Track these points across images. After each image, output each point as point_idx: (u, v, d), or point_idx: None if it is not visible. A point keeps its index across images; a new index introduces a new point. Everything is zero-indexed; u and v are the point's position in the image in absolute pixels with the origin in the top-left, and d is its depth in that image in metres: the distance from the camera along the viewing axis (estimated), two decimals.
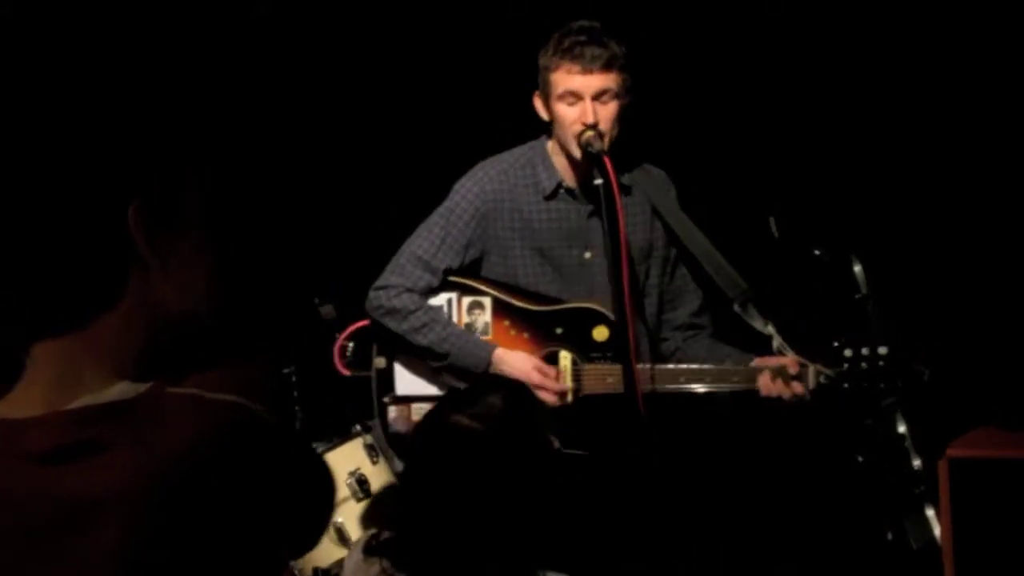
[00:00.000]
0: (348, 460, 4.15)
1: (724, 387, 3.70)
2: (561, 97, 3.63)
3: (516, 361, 3.71)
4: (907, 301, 4.04)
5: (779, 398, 3.63)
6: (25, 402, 1.48)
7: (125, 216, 1.49)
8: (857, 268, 3.61)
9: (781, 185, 4.62)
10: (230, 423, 1.43)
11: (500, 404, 2.66)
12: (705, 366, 3.72)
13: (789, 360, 3.64)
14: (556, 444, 3.44)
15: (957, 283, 4.62)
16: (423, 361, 3.80)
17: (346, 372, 4.08)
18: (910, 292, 4.32)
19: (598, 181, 3.49)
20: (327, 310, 4.27)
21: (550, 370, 3.72)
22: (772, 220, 3.80)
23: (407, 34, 5.03)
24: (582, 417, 3.73)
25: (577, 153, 3.61)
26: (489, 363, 3.69)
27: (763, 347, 3.71)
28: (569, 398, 3.73)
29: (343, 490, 4.11)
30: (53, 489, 1.39)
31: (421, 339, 3.73)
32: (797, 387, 3.62)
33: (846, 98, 4.75)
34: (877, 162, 4.74)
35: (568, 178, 3.75)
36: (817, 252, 3.79)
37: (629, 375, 3.42)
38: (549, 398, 3.68)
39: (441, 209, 3.80)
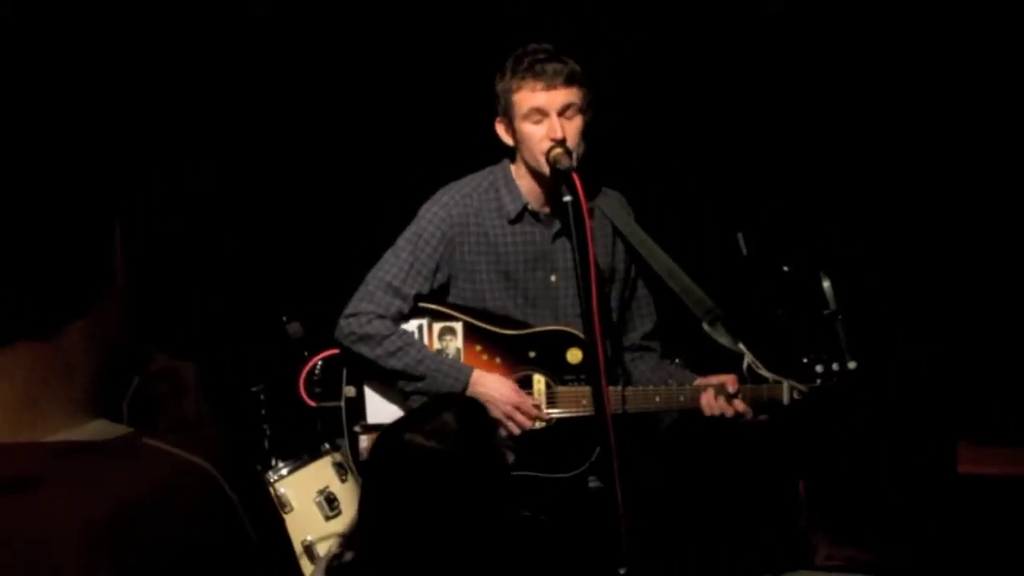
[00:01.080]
0: (317, 478, 4.14)
1: (674, 406, 3.70)
2: (526, 116, 3.61)
3: (493, 383, 3.69)
4: (877, 317, 4.05)
5: (721, 416, 3.63)
6: None
7: (101, 227, 1.49)
8: (826, 284, 3.62)
9: (749, 202, 4.64)
10: (197, 487, 1.43)
11: (453, 421, 2.66)
12: (653, 387, 3.71)
13: (728, 378, 3.64)
14: (511, 459, 3.44)
15: (928, 298, 4.64)
16: (394, 388, 3.77)
17: (312, 403, 4.05)
18: (880, 308, 4.33)
19: (567, 198, 3.48)
20: (295, 328, 4.25)
21: (525, 398, 3.71)
22: (740, 236, 3.80)
23: (367, 63, 5.03)
24: (557, 440, 3.72)
25: (546, 170, 3.60)
26: (466, 385, 3.68)
27: (736, 364, 3.70)
28: (541, 424, 3.72)
29: (312, 508, 4.10)
30: (16, 520, 1.38)
31: (396, 363, 3.70)
32: (738, 405, 3.61)
33: (815, 114, 4.77)
34: (846, 178, 4.76)
35: (533, 201, 3.74)
36: (785, 268, 3.79)
37: (598, 396, 3.41)
38: (525, 422, 3.67)
39: (408, 234, 3.78)
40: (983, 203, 4.65)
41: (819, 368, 3.62)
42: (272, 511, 1.56)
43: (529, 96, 3.60)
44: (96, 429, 1.48)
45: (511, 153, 3.78)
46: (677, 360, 3.92)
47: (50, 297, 1.45)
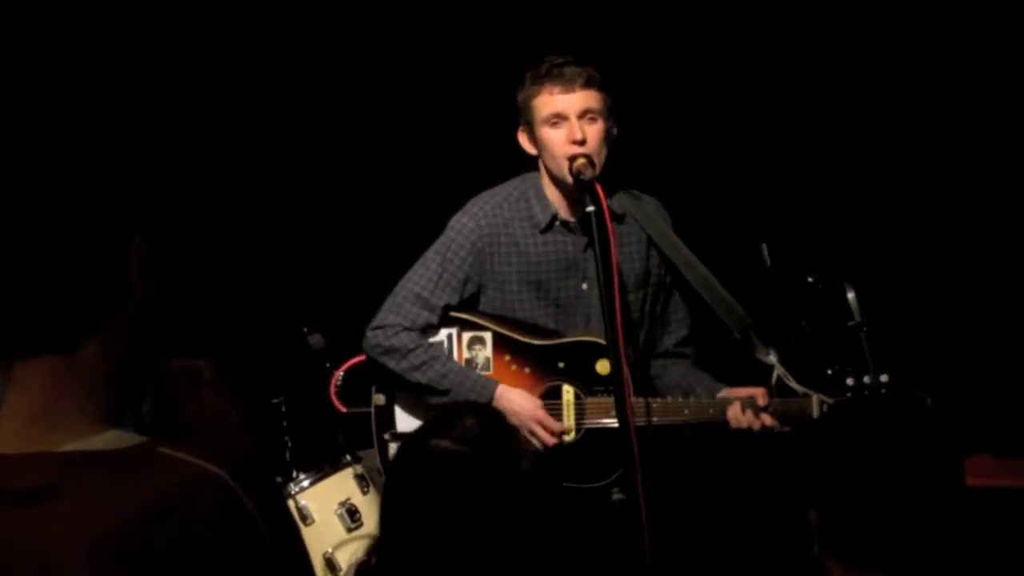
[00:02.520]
0: (338, 490, 4.12)
1: (704, 418, 3.68)
2: (546, 121, 3.61)
3: (517, 399, 3.68)
4: (899, 328, 4.02)
5: (748, 429, 3.60)
6: (6, 435, 1.47)
7: (118, 244, 1.50)
8: (850, 295, 3.59)
9: (773, 212, 4.61)
10: (211, 497, 1.43)
11: (476, 425, 2.65)
12: (680, 399, 3.70)
13: (758, 391, 3.62)
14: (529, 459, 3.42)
15: (948, 310, 4.61)
16: (423, 397, 3.76)
17: (343, 409, 4.04)
18: (902, 319, 4.30)
19: (590, 208, 3.47)
20: (316, 339, 4.24)
21: (548, 419, 3.69)
22: (764, 247, 3.77)
23: (398, 71, 5.02)
24: (587, 451, 3.70)
25: (569, 179, 3.59)
26: (490, 400, 3.66)
27: (765, 376, 3.67)
28: (569, 437, 3.70)
29: (333, 520, 4.08)
30: (30, 530, 1.38)
31: (420, 377, 3.70)
32: (767, 419, 3.59)
33: (838, 125, 4.75)
34: (869, 189, 4.74)
35: (563, 210, 3.73)
36: (810, 279, 3.77)
37: (621, 407, 3.39)
38: (547, 438, 3.66)
39: (437, 246, 3.77)
40: (1012, 215, 4.62)
41: (850, 381, 3.58)
42: (289, 521, 1.55)
43: (548, 100, 3.61)
44: (110, 439, 1.49)
45: (537, 165, 3.77)
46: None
47: (69, 313, 1.46)
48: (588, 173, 3.52)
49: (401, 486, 2.69)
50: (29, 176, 1.47)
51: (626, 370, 3.42)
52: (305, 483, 4.11)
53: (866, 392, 3.57)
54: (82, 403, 1.49)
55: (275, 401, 4.29)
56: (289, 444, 4.27)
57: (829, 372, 3.61)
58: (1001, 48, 4.57)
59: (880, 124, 4.74)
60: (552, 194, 3.74)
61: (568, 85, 3.58)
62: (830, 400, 3.59)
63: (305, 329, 4.30)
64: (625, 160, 3.80)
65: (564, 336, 3.75)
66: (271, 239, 5.05)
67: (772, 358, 3.65)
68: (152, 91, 4.69)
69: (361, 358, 3.89)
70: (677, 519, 3.89)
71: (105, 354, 1.51)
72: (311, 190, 5.09)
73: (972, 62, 4.60)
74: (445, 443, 2.61)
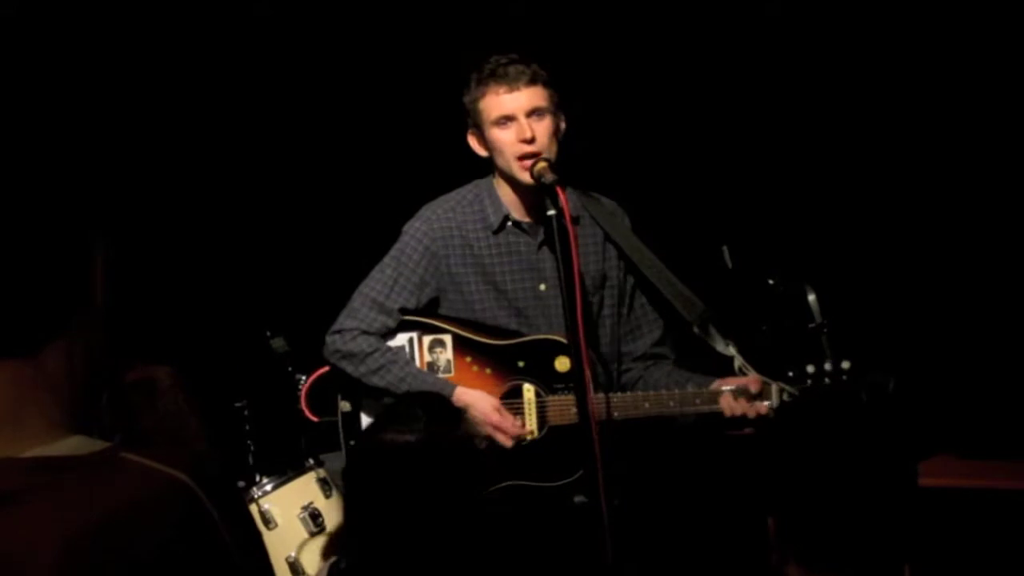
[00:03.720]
0: (301, 494, 4.12)
1: (689, 410, 3.66)
2: (495, 122, 3.60)
3: (475, 400, 3.68)
4: (861, 330, 4.04)
5: (743, 417, 3.60)
6: None
7: (79, 248, 1.50)
8: (811, 297, 3.61)
9: (734, 215, 4.63)
10: (175, 501, 1.43)
11: (423, 413, 2.65)
12: (667, 391, 3.68)
13: (751, 380, 3.61)
14: (483, 444, 3.43)
15: (912, 312, 4.64)
16: (386, 402, 3.75)
17: (314, 418, 4.03)
18: (864, 321, 4.33)
19: (551, 212, 3.47)
20: (279, 343, 4.24)
21: (506, 415, 3.69)
22: (725, 250, 3.79)
23: (351, 80, 5.03)
24: (550, 449, 3.70)
25: (524, 178, 3.58)
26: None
27: (726, 371, 3.68)
28: (529, 437, 3.70)
29: (296, 524, 4.08)
30: (10, 531, 1.39)
31: (379, 381, 3.70)
32: (760, 407, 3.59)
33: (801, 129, 4.77)
34: (830, 190, 4.76)
35: (515, 211, 3.74)
36: (771, 281, 3.78)
37: (583, 406, 3.39)
38: (505, 440, 3.66)
39: (392, 251, 3.78)
40: (972, 216, 4.66)
41: (811, 368, 3.59)
42: (251, 526, 1.55)
43: (494, 101, 3.60)
44: (74, 444, 1.48)
45: (490, 168, 3.77)
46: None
47: (29, 316, 1.45)
48: (549, 177, 3.51)
49: (360, 484, 2.69)
50: None
51: (587, 371, 3.42)
52: (268, 487, 4.11)
53: (828, 379, 3.58)
54: (45, 408, 1.49)
55: (238, 405, 4.29)
56: (252, 448, 4.27)
57: (790, 373, 3.62)
58: (965, 57, 4.60)
59: (843, 127, 4.76)
60: (505, 195, 3.74)
61: (513, 84, 3.58)
62: (791, 388, 3.60)
63: (268, 333, 4.30)
64: (591, 161, 3.81)
65: (523, 336, 3.75)
66: (234, 243, 5.03)
67: (732, 349, 3.66)
68: (119, 92, 4.69)
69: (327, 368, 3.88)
70: (641, 524, 3.88)
71: (69, 358, 1.51)
72: (275, 194, 5.09)
73: (930, 67, 4.64)
74: (393, 435, 2.62)
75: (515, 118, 3.58)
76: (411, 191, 4.03)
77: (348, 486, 2.74)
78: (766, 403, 3.60)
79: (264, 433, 4.28)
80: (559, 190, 3.49)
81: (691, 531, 4.50)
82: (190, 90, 4.92)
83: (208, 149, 5.03)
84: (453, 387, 3.68)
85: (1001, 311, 4.61)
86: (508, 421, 3.67)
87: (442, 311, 3.79)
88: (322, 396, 4.01)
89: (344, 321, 3.76)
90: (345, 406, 3.81)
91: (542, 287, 3.74)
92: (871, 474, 2.50)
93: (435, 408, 2.72)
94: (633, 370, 3.89)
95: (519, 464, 3.68)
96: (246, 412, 4.28)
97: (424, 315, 3.77)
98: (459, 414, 2.84)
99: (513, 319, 3.76)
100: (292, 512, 4.09)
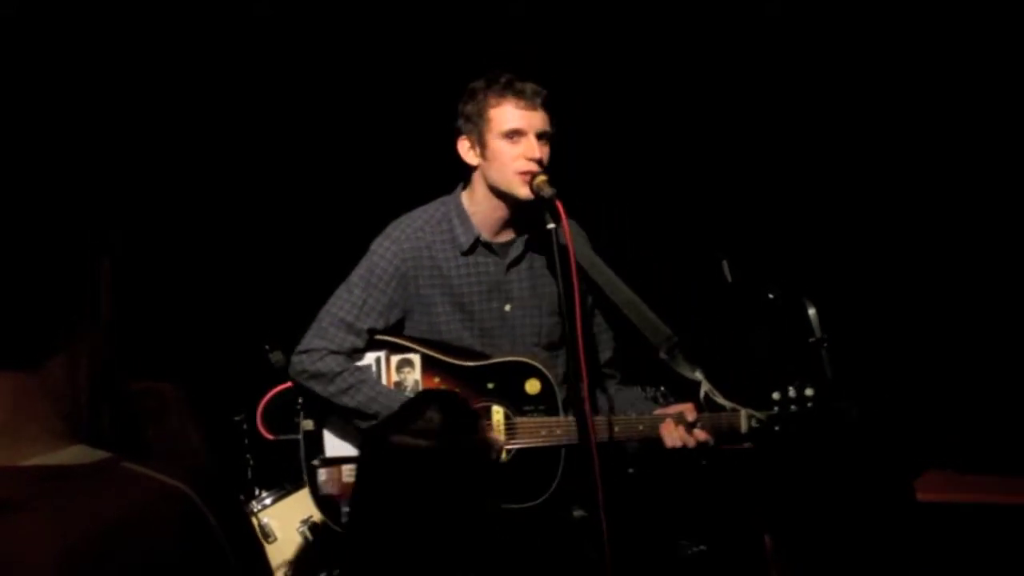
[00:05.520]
0: (300, 508, 4.12)
1: (633, 436, 3.65)
2: (503, 134, 3.60)
3: None
4: (859, 345, 4.05)
5: (683, 448, 3.57)
6: None
7: (85, 262, 1.50)
8: (811, 311, 3.61)
9: (734, 228, 4.64)
10: (173, 510, 1.43)
11: (439, 416, 2.63)
12: (613, 417, 3.67)
13: (686, 407, 3.59)
14: (500, 456, 3.43)
15: (909, 326, 4.64)
16: (352, 421, 3.73)
17: (270, 437, 4.01)
18: (862, 336, 4.33)
19: (550, 226, 3.48)
20: (277, 357, 4.23)
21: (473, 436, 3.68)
22: (725, 264, 3.79)
23: (352, 81, 5.03)
24: (518, 470, 3.69)
25: (522, 192, 3.58)
26: None
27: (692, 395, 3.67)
28: (501, 457, 3.69)
29: (295, 538, 4.07)
30: (8, 540, 1.39)
31: (348, 401, 3.67)
32: (700, 434, 3.55)
33: (802, 141, 4.78)
34: (829, 205, 4.77)
35: (486, 232, 3.72)
36: (771, 296, 3.78)
37: (583, 427, 3.39)
38: None
39: (360, 270, 3.75)
40: (970, 233, 4.67)
41: (776, 395, 3.59)
42: (252, 537, 1.55)
43: (510, 112, 3.61)
44: (75, 454, 1.48)
45: (464, 178, 3.76)
46: (662, 388, 3.89)
47: (33, 329, 1.46)
48: (548, 191, 3.52)
49: (368, 486, 2.67)
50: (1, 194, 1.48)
51: (586, 390, 3.42)
52: (267, 501, 4.10)
53: (792, 406, 3.58)
54: (47, 419, 1.49)
55: (236, 419, 4.28)
56: (251, 462, 4.26)
57: (776, 395, 3.60)
58: (971, 69, 4.61)
59: (844, 139, 4.77)
60: (476, 213, 3.73)
61: (531, 102, 3.59)
62: (759, 414, 3.59)
63: (267, 347, 4.29)
64: (591, 171, 3.81)
65: (491, 358, 3.74)
66: (233, 256, 5.03)
67: (699, 375, 3.63)
68: (119, 99, 4.69)
69: (286, 385, 3.85)
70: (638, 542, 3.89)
71: (72, 371, 1.51)
72: (275, 206, 5.09)
73: (933, 75, 4.64)
74: (407, 439, 2.60)
75: (526, 135, 3.58)
76: (411, 203, 4.03)
77: (359, 489, 2.71)
78: (704, 431, 3.57)
79: (263, 447, 4.26)
80: (558, 204, 3.50)
81: (689, 548, 4.50)
82: (191, 99, 4.92)
83: (208, 162, 5.03)
84: None
85: (997, 326, 4.62)
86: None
87: (408, 331, 3.77)
88: (279, 414, 3.99)
89: (312, 341, 3.73)
90: (308, 425, 3.77)
91: (507, 307, 3.73)
92: (867, 490, 2.51)
93: (448, 406, 2.70)
94: (582, 387, 3.87)
95: (487, 486, 3.66)
96: (245, 426, 4.27)
97: (392, 334, 3.76)
98: (472, 412, 2.81)
99: (478, 340, 3.74)
100: (291, 526, 4.09)
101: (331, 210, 5.10)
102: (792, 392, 3.57)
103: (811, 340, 3.61)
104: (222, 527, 1.45)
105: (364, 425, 3.66)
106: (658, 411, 3.66)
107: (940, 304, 4.67)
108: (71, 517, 1.40)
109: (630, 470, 3.67)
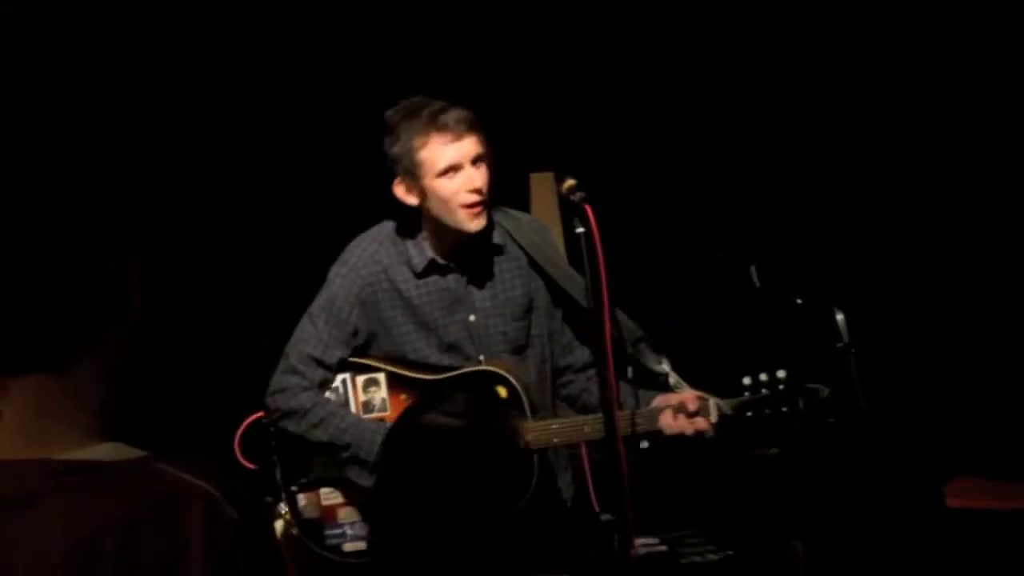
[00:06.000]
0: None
1: (630, 430, 3.58)
2: (440, 173, 3.53)
3: None
4: (888, 351, 4.04)
5: (682, 435, 3.56)
6: (1, 444, 1.48)
7: (119, 265, 1.51)
8: (839, 317, 3.60)
9: (762, 234, 4.63)
10: (196, 511, 1.43)
11: (465, 397, 2.63)
12: (590, 417, 3.62)
13: (688, 396, 3.55)
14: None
15: (939, 332, 4.63)
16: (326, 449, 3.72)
17: (251, 465, 4.00)
18: (891, 342, 4.32)
19: (580, 229, 3.46)
20: None
21: None
22: (753, 269, 3.79)
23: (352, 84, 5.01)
24: (499, 473, 3.67)
25: (471, 226, 3.55)
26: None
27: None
28: None
29: None
30: (10, 536, 1.40)
31: (321, 435, 3.67)
32: (700, 422, 3.53)
33: (831, 147, 4.77)
34: (859, 210, 4.76)
35: (440, 254, 3.68)
36: (798, 301, 3.78)
37: (611, 427, 3.38)
38: None
39: (321, 301, 3.72)
40: (1001, 239, 4.65)
41: (747, 380, 3.56)
42: (271, 544, 1.55)
43: (439, 151, 3.53)
44: (105, 450, 1.49)
45: (410, 213, 3.69)
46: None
47: (61, 335, 1.46)
48: (577, 196, 3.49)
49: (399, 469, 2.65)
50: (31, 195, 1.48)
51: (614, 391, 3.41)
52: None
53: (764, 390, 3.56)
54: (76, 417, 1.50)
55: (264, 421, 4.28)
56: (278, 463, 4.26)
57: (748, 379, 3.58)
58: (994, 72, 4.59)
59: (874, 147, 4.76)
60: (429, 240, 3.69)
61: (456, 133, 3.51)
62: (730, 401, 3.57)
63: None
64: (616, 177, 3.80)
65: (456, 370, 3.68)
66: (260, 257, 5.04)
67: (665, 366, 3.63)
68: (138, 99, 4.69)
69: (260, 413, 3.85)
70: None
71: (101, 371, 1.52)
72: (298, 213, 5.09)
73: (963, 84, 4.62)
74: (438, 419, 2.59)
75: (462, 167, 3.52)
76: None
77: (388, 473, 2.70)
78: (705, 419, 3.54)
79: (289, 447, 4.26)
80: (587, 208, 3.47)
81: (717, 555, 4.49)
82: (210, 103, 4.91)
83: (228, 168, 5.04)
84: (386, 427, 3.66)
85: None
86: None
87: (373, 352, 3.76)
88: (257, 442, 3.97)
89: (283, 378, 3.72)
90: (282, 453, 3.79)
91: (472, 318, 3.71)
92: (896, 496, 2.50)
93: (477, 389, 2.67)
94: (575, 382, 3.85)
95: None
96: (272, 428, 4.27)
97: (356, 355, 3.74)
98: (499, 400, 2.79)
99: (445, 355, 3.71)
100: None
101: (353, 217, 5.09)
102: (764, 376, 3.56)
103: (839, 346, 3.61)
104: (242, 530, 1.46)
105: (340, 455, 3.66)
106: (657, 401, 3.62)
107: (968, 310, 4.65)
108: (84, 512, 1.41)
109: (644, 444, 3.62)
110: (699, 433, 3.55)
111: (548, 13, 4.85)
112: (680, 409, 3.55)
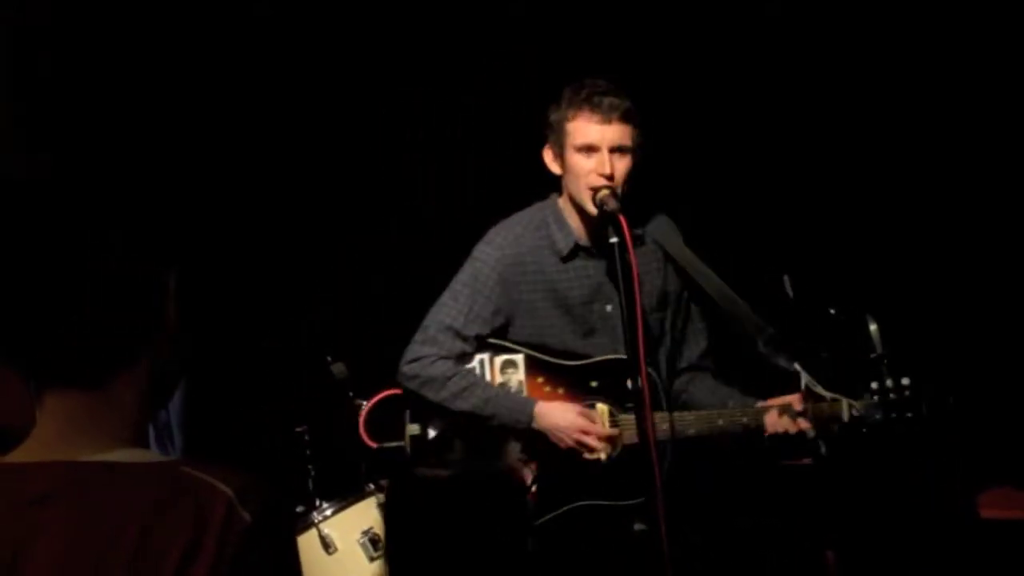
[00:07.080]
0: (361, 518, 4.13)
1: (735, 428, 3.68)
2: (577, 148, 3.64)
3: (558, 411, 3.69)
4: (922, 361, 4.03)
5: (785, 434, 3.61)
6: (33, 448, 1.50)
7: (157, 282, 1.52)
8: (873, 327, 3.60)
9: (796, 244, 4.62)
10: (214, 514, 1.44)
11: (459, 447, 2.65)
12: (716, 410, 3.71)
13: (794, 397, 3.63)
14: (530, 478, 3.44)
15: (973, 342, 4.60)
16: (455, 425, 3.75)
17: (372, 444, 4.04)
18: (925, 351, 4.30)
19: (613, 239, 3.49)
20: (339, 368, 4.26)
21: (594, 414, 3.70)
22: (786, 279, 3.79)
23: (417, 99, 5.03)
24: (622, 467, 3.70)
25: (590, 207, 3.62)
26: (532, 418, 3.67)
27: (784, 389, 3.69)
28: (605, 455, 3.71)
29: (356, 549, 4.09)
30: (34, 533, 1.42)
31: (463, 404, 3.71)
32: (803, 423, 3.61)
33: (864, 157, 4.75)
34: (893, 221, 4.74)
35: (582, 236, 3.76)
36: (832, 311, 3.78)
37: (642, 428, 3.41)
38: (595, 443, 3.67)
39: (464, 276, 3.79)
40: None
41: (874, 385, 3.61)
42: (291, 552, 1.55)
43: (583, 127, 3.63)
44: (134, 454, 1.51)
45: (558, 186, 3.79)
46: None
47: (100, 352, 1.48)
48: (611, 205, 3.54)
49: (397, 521, 2.69)
50: (68, 217, 1.50)
51: (647, 396, 3.43)
52: (328, 512, 4.12)
53: (891, 395, 3.59)
54: (109, 427, 1.52)
55: (298, 430, 4.31)
56: (312, 473, 4.28)
57: (875, 384, 3.62)
58: (1009, 71, 4.57)
59: (906, 156, 4.74)
60: (573, 220, 3.76)
61: (606, 116, 3.61)
62: (859, 404, 3.61)
63: (329, 358, 4.32)
64: (649, 189, 3.81)
65: (592, 357, 3.76)
66: (295, 268, 5.06)
67: (797, 366, 3.66)
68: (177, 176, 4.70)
69: (388, 392, 3.89)
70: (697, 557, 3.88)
71: (136, 383, 1.53)
72: (335, 219, 5.11)
73: (1001, 92, 4.60)
74: (430, 470, 2.61)
75: (599, 150, 3.61)
76: (468, 214, 4.04)
77: (389, 526, 2.74)
78: (808, 421, 3.61)
79: (325, 458, 4.29)
80: (621, 218, 3.51)
81: (749, 565, 4.48)
82: (207, 102, 4.91)
83: (268, 177, 5.06)
84: (535, 403, 3.69)
85: None
86: (595, 426, 3.68)
87: (511, 335, 3.80)
88: (380, 422, 4.03)
89: (421, 348, 3.77)
90: (414, 429, 3.81)
91: (609, 308, 3.76)
92: (930, 506, 2.49)
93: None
94: (678, 381, 3.90)
95: (592, 483, 3.69)
96: (307, 437, 4.29)
97: (495, 337, 3.79)
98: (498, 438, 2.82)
99: (580, 340, 3.77)
100: (352, 537, 4.10)
101: (392, 226, 5.11)
102: (889, 382, 3.59)
103: (872, 356, 3.61)
104: (259, 534, 1.46)
105: (475, 427, 3.71)
106: (762, 403, 3.69)
107: (999, 319, 4.63)
108: (101, 511, 1.42)
109: (823, 449, 3.68)
110: (801, 433, 3.59)
111: (548, 13, 4.86)
112: (786, 409, 3.61)
